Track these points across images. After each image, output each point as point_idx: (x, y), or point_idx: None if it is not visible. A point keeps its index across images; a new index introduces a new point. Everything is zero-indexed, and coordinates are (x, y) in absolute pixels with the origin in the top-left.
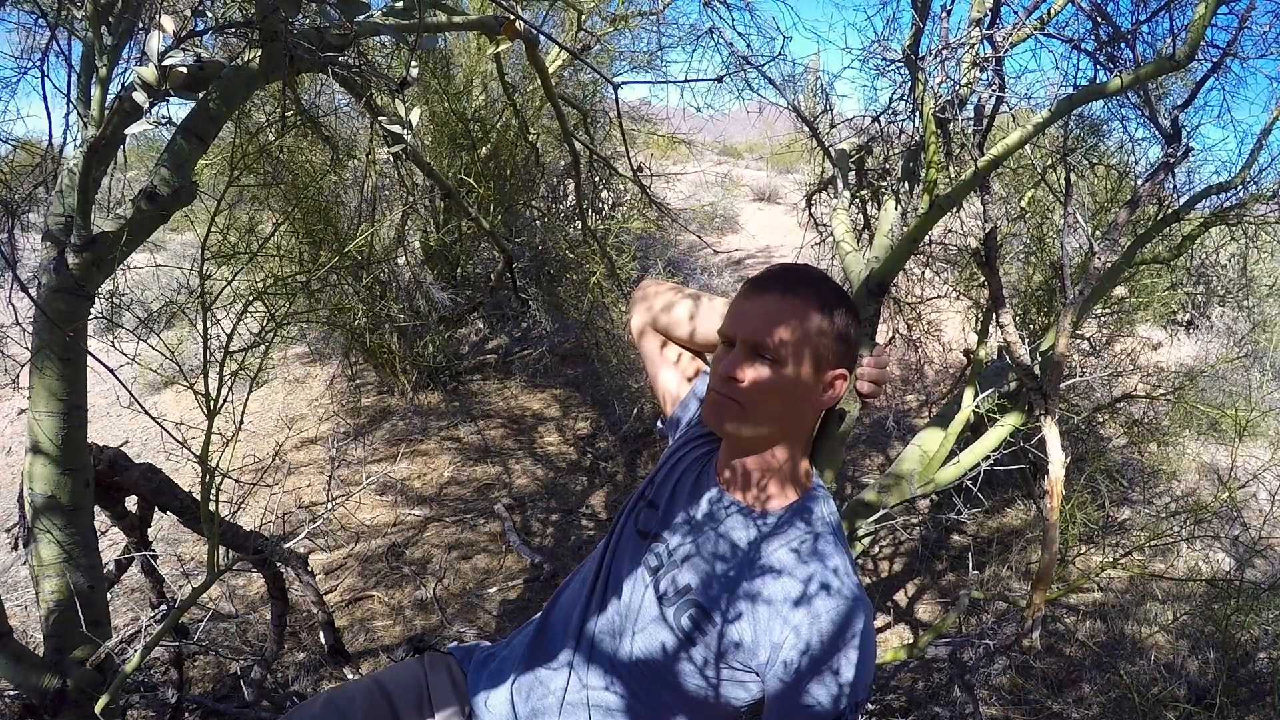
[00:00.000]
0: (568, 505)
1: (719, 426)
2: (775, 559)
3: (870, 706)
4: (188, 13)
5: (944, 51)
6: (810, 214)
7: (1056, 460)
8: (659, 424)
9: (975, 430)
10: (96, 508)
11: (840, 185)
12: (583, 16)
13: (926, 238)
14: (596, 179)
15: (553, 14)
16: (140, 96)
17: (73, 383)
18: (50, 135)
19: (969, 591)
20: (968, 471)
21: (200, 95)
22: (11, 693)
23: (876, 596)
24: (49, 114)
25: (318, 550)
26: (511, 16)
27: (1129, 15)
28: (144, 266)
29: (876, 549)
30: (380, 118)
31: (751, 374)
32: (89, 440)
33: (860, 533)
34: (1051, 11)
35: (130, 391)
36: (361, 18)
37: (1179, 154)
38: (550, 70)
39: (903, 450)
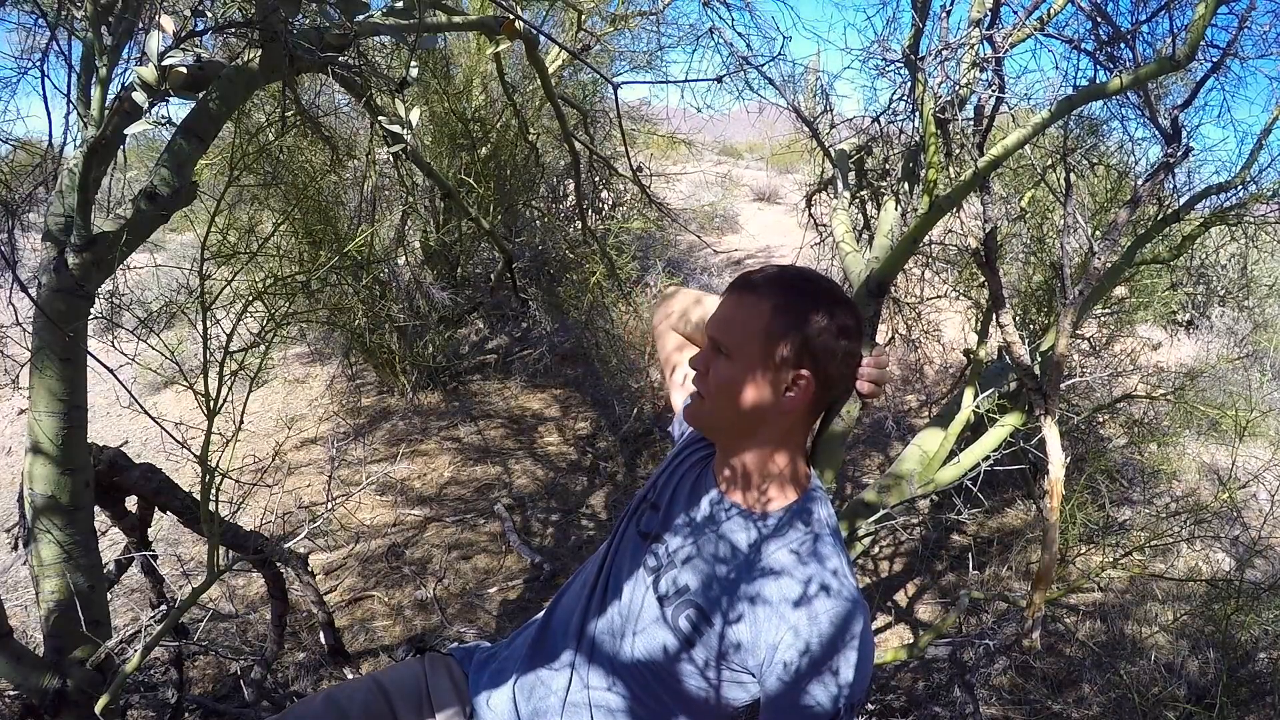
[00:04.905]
0: (568, 505)
1: (690, 420)
2: (775, 560)
3: (870, 706)
4: (188, 13)
5: (944, 52)
6: (810, 214)
7: (1056, 460)
8: (668, 428)
9: (975, 430)
10: (96, 508)
11: (840, 185)
12: (583, 16)
13: (926, 238)
14: (596, 179)
15: (553, 14)
16: (140, 96)
17: (73, 383)
18: (50, 135)
19: (969, 591)
20: (968, 471)
21: (200, 95)
22: (11, 693)
23: (876, 596)
24: (49, 114)
25: (318, 550)
26: (511, 16)
27: (1129, 15)
28: (144, 266)
29: (876, 549)
30: (380, 118)
31: (711, 367)
32: (89, 440)
33: (860, 533)
34: (1051, 12)
35: (130, 391)
36: (361, 18)
37: (1179, 154)
38: (550, 70)
39: (903, 450)
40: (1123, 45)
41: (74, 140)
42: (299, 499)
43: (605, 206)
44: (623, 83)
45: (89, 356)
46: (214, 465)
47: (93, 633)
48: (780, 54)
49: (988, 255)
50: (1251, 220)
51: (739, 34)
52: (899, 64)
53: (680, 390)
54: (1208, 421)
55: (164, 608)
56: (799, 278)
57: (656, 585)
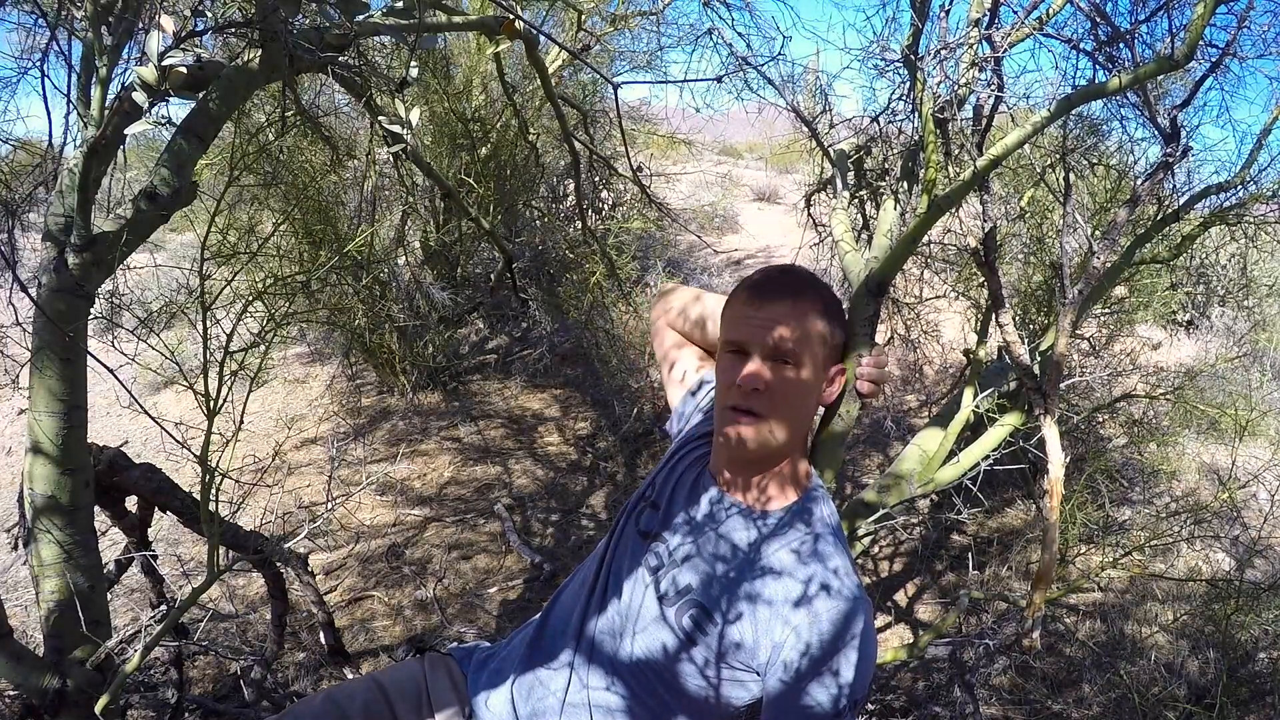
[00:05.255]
0: (568, 505)
1: (736, 436)
2: (775, 560)
3: (870, 706)
4: (188, 13)
5: (943, 51)
6: (810, 214)
7: (1056, 460)
8: (665, 426)
9: (975, 430)
10: (96, 508)
11: (839, 185)
12: (583, 16)
13: (926, 238)
14: (596, 179)
15: (553, 14)
16: (140, 96)
17: (73, 383)
18: (50, 135)
19: (969, 591)
20: (967, 471)
21: (200, 95)
22: (11, 693)
23: (876, 596)
24: (49, 114)
25: (318, 550)
26: (511, 16)
27: (1128, 15)
28: (144, 266)
29: (876, 549)
30: (380, 118)
31: (772, 380)
32: (89, 440)
33: (860, 533)
34: (1050, 11)
35: (130, 391)
36: (361, 18)
37: (1178, 154)
38: (550, 70)
39: (903, 450)
40: (1121, 45)
41: (74, 140)
42: (299, 499)
43: (605, 206)
44: (623, 83)
45: (89, 356)
46: (214, 465)
47: (93, 633)
48: (780, 54)
49: (987, 255)
50: (1251, 220)
51: (739, 34)
52: (898, 64)
53: (680, 386)
54: (1208, 421)
55: (164, 608)
56: (812, 275)
57: (657, 585)
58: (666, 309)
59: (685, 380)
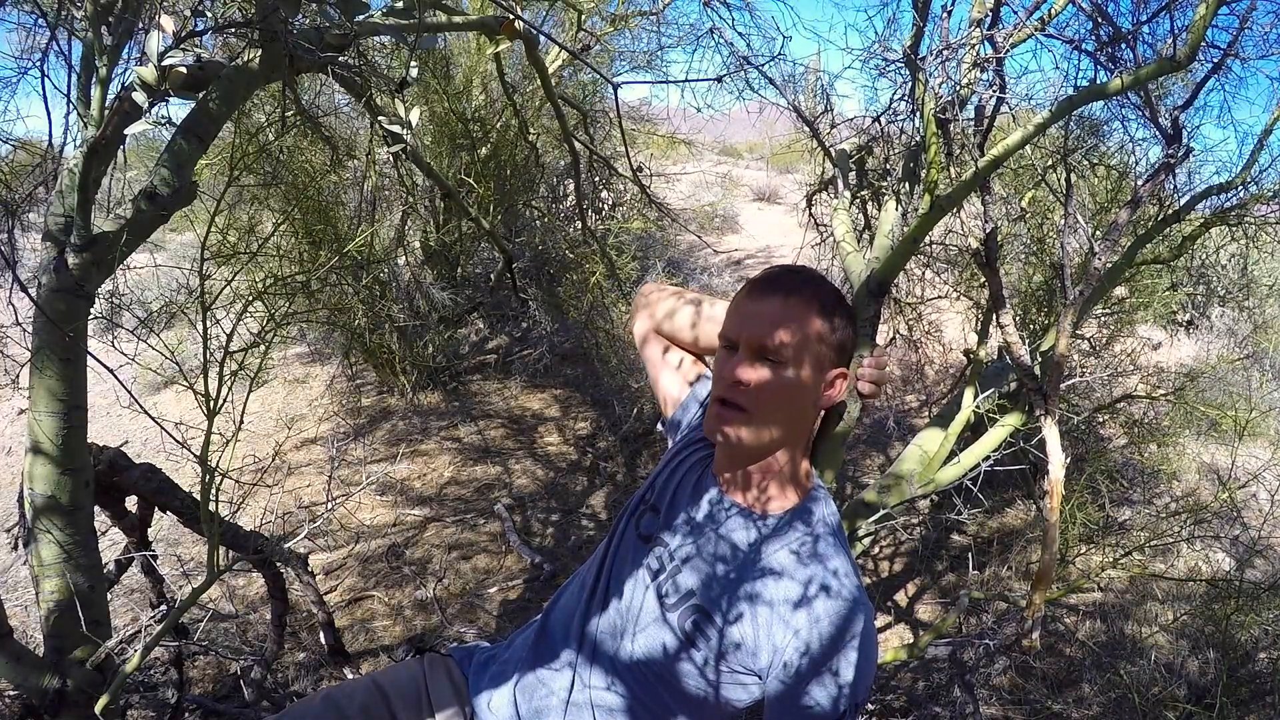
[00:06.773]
0: (568, 505)
1: (721, 433)
2: (775, 561)
3: (870, 706)
4: (188, 13)
5: (945, 52)
6: (810, 214)
7: (1056, 460)
8: (660, 425)
9: (975, 430)
10: (96, 508)
11: (840, 185)
12: (583, 16)
13: (927, 238)
14: (596, 179)
15: (553, 14)
16: (140, 96)
17: (73, 383)
18: (50, 135)
19: (969, 591)
20: (968, 471)
21: (200, 95)
22: (11, 693)
23: (876, 596)
24: (49, 114)
25: (318, 550)
26: (511, 16)
27: (1129, 16)
28: (144, 266)
29: (876, 549)
30: (380, 118)
31: (755, 376)
32: (89, 440)
33: (860, 533)
34: (1052, 12)
35: (130, 391)
36: (361, 18)
37: (1179, 154)
38: (550, 70)
39: (903, 450)
40: (1123, 46)
41: (74, 140)
42: (299, 499)
43: (605, 206)
44: (623, 83)
45: (89, 356)
46: (214, 465)
47: (93, 633)
48: (780, 54)
49: (988, 255)
50: (1252, 220)
51: (739, 34)
52: (899, 64)
53: (677, 374)
54: (1208, 421)
55: (164, 608)
56: (817, 275)
57: (658, 587)
58: (661, 290)
59: (682, 368)
